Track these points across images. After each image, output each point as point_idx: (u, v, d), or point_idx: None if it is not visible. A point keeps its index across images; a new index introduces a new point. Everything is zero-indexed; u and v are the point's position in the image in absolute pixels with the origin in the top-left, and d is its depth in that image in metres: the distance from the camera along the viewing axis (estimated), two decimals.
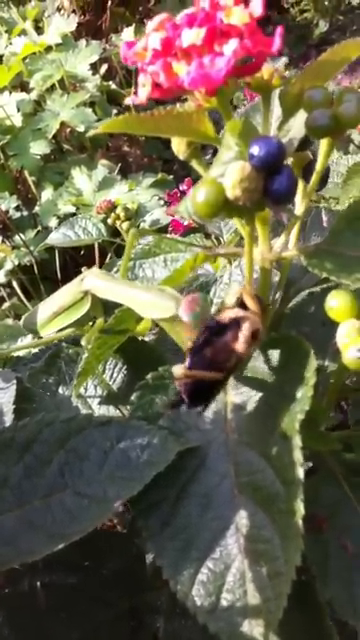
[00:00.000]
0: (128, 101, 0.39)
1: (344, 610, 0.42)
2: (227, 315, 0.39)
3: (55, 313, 0.54)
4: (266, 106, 0.42)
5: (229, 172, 0.35)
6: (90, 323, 0.55)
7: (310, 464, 0.48)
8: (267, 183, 0.36)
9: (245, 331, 0.38)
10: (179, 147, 0.45)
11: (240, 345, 0.38)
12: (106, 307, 0.52)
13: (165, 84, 0.37)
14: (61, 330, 0.55)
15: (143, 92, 0.39)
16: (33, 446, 0.41)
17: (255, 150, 0.35)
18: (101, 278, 0.50)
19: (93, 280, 0.50)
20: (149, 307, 0.43)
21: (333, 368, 0.47)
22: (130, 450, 0.41)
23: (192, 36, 0.36)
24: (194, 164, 0.45)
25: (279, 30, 0.37)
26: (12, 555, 0.38)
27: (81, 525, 0.39)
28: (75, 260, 1.55)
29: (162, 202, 1.40)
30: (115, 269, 0.66)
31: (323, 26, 1.92)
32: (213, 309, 0.46)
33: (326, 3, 1.98)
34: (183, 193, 0.96)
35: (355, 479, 0.46)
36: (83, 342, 0.52)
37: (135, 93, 0.40)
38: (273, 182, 0.36)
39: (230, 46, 0.35)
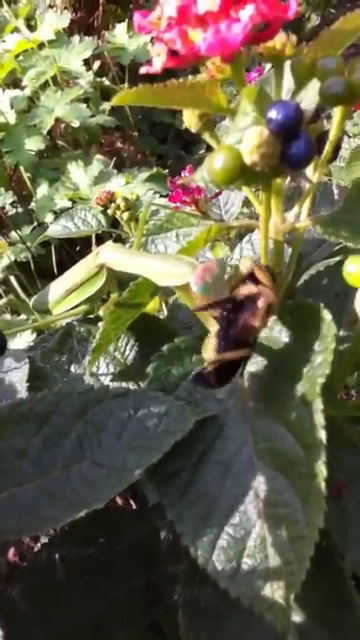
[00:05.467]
0: (143, 70, 0.39)
1: None
2: (242, 292, 0.40)
3: (68, 290, 0.54)
4: (278, 76, 0.42)
5: (246, 137, 0.35)
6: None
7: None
8: (285, 148, 0.36)
9: (260, 307, 0.39)
10: (191, 119, 0.45)
11: (257, 320, 0.39)
12: (120, 283, 0.52)
13: (181, 51, 0.37)
14: (75, 307, 0.55)
15: (158, 61, 0.39)
16: (51, 418, 0.41)
17: (273, 114, 0.35)
18: (116, 251, 0.50)
19: (108, 253, 0.50)
20: (165, 275, 0.43)
21: (347, 339, 0.47)
22: (148, 420, 0.41)
23: (208, 3, 0.36)
24: (206, 137, 0.45)
25: None
26: (33, 523, 0.38)
27: (101, 494, 0.39)
28: (71, 256, 1.55)
29: (158, 195, 1.40)
30: (127, 245, 0.66)
31: (315, 20, 1.93)
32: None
33: None
34: None
35: None
36: (101, 312, 0.52)
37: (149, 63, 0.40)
38: (291, 147, 0.36)
39: (246, 12, 0.35)
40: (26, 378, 0.50)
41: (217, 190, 0.81)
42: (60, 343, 0.55)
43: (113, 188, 1.33)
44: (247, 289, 0.40)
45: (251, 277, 0.40)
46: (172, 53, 0.38)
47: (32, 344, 0.60)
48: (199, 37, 0.36)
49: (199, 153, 1.78)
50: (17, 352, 0.53)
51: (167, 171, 1.53)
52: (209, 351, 0.39)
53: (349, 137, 1.37)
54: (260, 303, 0.39)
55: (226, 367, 0.39)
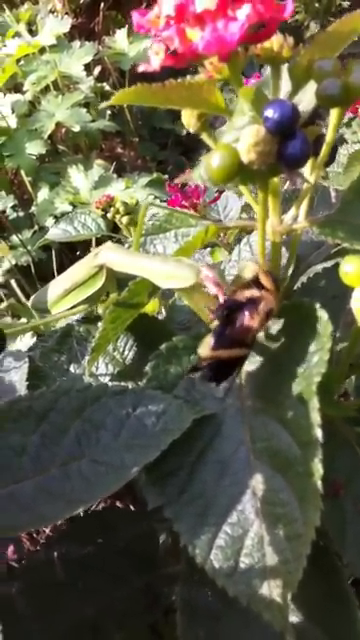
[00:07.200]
0: (141, 69, 0.40)
1: None
2: (244, 294, 0.40)
3: (68, 290, 0.54)
4: (275, 78, 0.42)
5: (243, 136, 0.36)
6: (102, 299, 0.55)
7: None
8: (281, 147, 0.36)
9: (261, 311, 0.39)
10: (189, 120, 0.45)
11: (256, 323, 0.39)
12: (118, 283, 0.52)
13: (179, 49, 0.37)
14: (74, 307, 0.55)
15: (156, 60, 0.39)
16: (50, 415, 0.42)
17: (269, 113, 0.35)
18: (117, 251, 0.50)
19: (108, 253, 0.50)
20: (168, 277, 0.44)
21: (344, 340, 0.48)
22: (146, 418, 0.41)
23: (206, 1, 0.36)
24: (204, 137, 0.45)
25: None
26: (31, 520, 0.38)
27: (99, 491, 0.39)
28: (72, 260, 1.55)
29: (158, 201, 1.40)
30: (126, 246, 0.66)
31: (314, 28, 1.94)
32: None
33: (317, 5, 1.99)
34: (184, 184, 0.96)
35: None
36: (100, 311, 0.52)
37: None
38: (287, 146, 0.36)
39: (243, 11, 0.36)
40: (25, 377, 0.50)
41: (216, 195, 0.82)
42: (59, 343, 0.55)
43: (113, 193, 1.33)
44: (250, 292, 0.40)
45: (255, 281, 0.41)
46: (170, 52, 0.38)
47: (32, 345, 0.60)
48: (197, 36, 0.37)
49: (199, 159, 1.78)
50: (17, 352, 0.53)
51: (167, 177, 1.53)
52: (205, 348, 0.39)
53: (347, 143, 1.38)
54: (262, 307, 0.39)
55: (222, 365, 0.39)
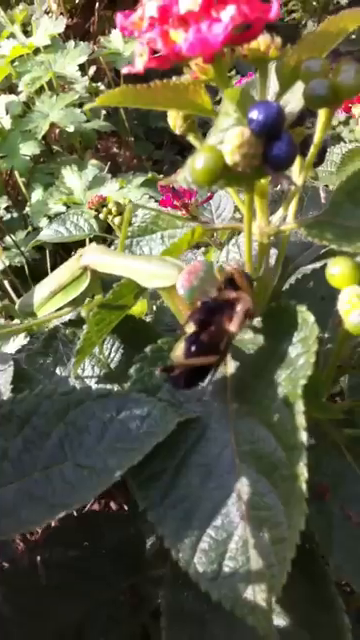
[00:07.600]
0: (124, 70, 0.39)
1: (350, 579, 0.42)
2: (220, 297, 0.39)
3: (53, 292, 0.54)
4: (263, 78, 0.42)
5: (228, 137, 0.35)
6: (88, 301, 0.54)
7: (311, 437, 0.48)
8: (267, 149, 0.36)
9: (239, 312, 0.38)
10: (175, 121, 0.45)
11: (234, 326, 0.38)
12: (104, 286, 0.52)
13: (162, 51, 0.37)
14: (59, 309, 0.54)
15: (140, 62, 0.39)
16: (32, 419, 0.41)
17: (254, 114, 0.35)
18: (100, 252, 0.50)
19: (92, 255, 0.50)
20: (151, 277, 0.43)
21: (332, 341, 0.47)
22: (130, 421, 0.41)
23: (189, 3, 0.36)
24: (190, 138, 0.45)
25: None
26: (12, 525, 0.38)
27: (81, 495, 0.39)
28: (66, 260, 1.54)
29: (153, 200, 1.39)
30: (112, 248, 0.66)
31: (312, 26, 1.94)
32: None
33: (314, 3, 1.99)
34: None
35: (358, 449, 0.46)
36: (83, 313, 0.52)
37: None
38: (273, 148, 0.36)
39: (228, 12, 0.35)
40: (10, 380, 0.50)
41: (209, 194, 0.81)
42: (45, 345, 0.54)
43: (107, 193, 1.33)
44: (227, 294, 0.39)
45: (230, 282, 0.40)
46: (154, 54, 0.38)
47: (19, 348, 0.60)
48: (180, 37, 0.36)
49: None
50: (2, 354, 0.53)
51: (163, 176, 1.52)
52: (178, 355, 0.38)
53: (344, 142, 1.37)
54: (239, 308, 0.39)
55: (195, 371, 0.39)
